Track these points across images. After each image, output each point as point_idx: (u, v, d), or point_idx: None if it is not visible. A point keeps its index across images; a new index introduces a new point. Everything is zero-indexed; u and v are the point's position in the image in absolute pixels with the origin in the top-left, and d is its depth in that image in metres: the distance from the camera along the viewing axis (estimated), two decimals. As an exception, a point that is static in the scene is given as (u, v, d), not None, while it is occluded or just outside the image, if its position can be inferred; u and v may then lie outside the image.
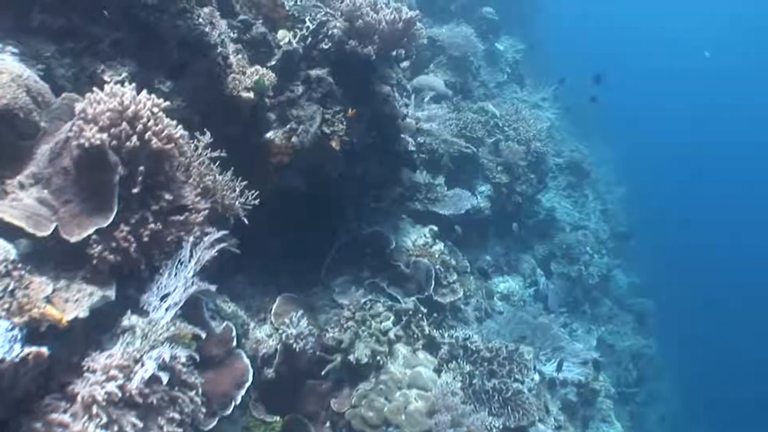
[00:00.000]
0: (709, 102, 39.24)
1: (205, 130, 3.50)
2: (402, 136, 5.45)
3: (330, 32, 4.82)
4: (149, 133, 2.82)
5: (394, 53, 4.94)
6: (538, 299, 9.54)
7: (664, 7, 42.21)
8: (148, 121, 2.83)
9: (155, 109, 2.88)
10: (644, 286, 15.09)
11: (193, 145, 3.44)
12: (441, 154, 6.63)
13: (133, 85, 2.90)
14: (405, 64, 5.68)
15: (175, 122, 3.02)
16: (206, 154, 3.54)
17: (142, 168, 2.85)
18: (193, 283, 3.02)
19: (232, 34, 4.39)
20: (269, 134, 4.42)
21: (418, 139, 6.50)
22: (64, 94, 3.18)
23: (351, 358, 4.84)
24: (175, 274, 3.07)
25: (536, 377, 6.21)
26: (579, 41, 30.62)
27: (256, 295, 5.34)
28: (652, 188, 23.53)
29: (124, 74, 3.72)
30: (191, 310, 3.41)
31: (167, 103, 2.96)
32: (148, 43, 3.81)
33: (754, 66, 39.63)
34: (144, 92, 2.91)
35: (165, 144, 2.91)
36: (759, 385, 20.64)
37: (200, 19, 3.72)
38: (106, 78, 3.66)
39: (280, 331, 4.62)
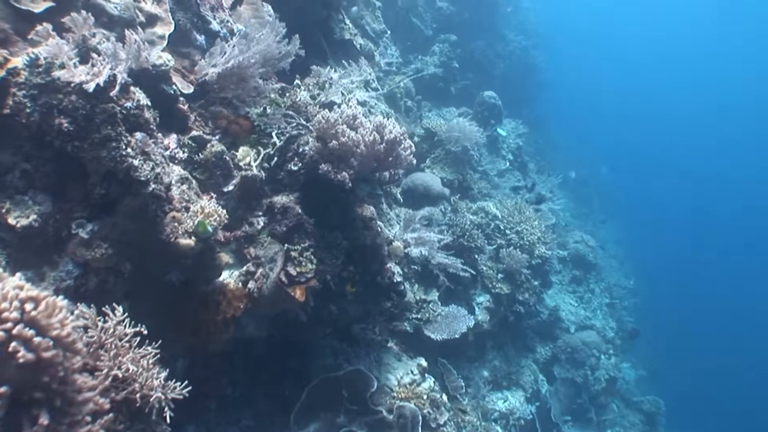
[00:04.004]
0: (716, 176, 39.17)
1: (114, 305, 2.67)
2: (387, 266, 4.62)
3: (301, 149, 4.07)
4: (15, 343, 2.01)
5: (377, 175, 4.17)
6: (540, 417, 8.59)
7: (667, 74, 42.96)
8: (15, 325, 2.02)
9: (28, 306, 2.08)
10: (652, 377, 14.21)
11: (100, 327, 2.63)
12: (436, 274, 5.84)
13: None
14: (392, 188, 4.96)
15: (61, 315, 2.21)
16: (122, 331, 2.73)
17: (4, 389, 2.03)
18: None
19: (181, 154, 3.65)
20: (221, 278, 3.61)
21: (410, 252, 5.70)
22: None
23: None
24: None
25: None
26: (583, 115, 30.57)
27: (214, 446, 4.50)
28: (658, 265, 22.76)
29: (34, 216, 2.96)
30: None
31: (46, 292, 2.16)
32: (66, 176, 3.06)
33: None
34: (15, 279, 2.12)
35: (43, 352, 2.10)
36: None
37: (129, 149, 2.97)
38: (11, 220, 2.92)
39: None
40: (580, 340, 10.56)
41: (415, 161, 4.17)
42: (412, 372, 5.48)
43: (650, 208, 30.58)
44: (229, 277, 3.70)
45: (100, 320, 2.67)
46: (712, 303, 27.23)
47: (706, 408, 19.09)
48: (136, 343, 2.79)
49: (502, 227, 8.11)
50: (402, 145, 3.99)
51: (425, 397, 5.35)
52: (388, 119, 4.00)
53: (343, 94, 4.93)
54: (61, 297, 2.36)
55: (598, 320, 11.98)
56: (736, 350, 23.81)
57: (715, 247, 33.30)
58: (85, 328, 2.63)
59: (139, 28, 3.13)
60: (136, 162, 2.98)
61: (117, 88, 2.80)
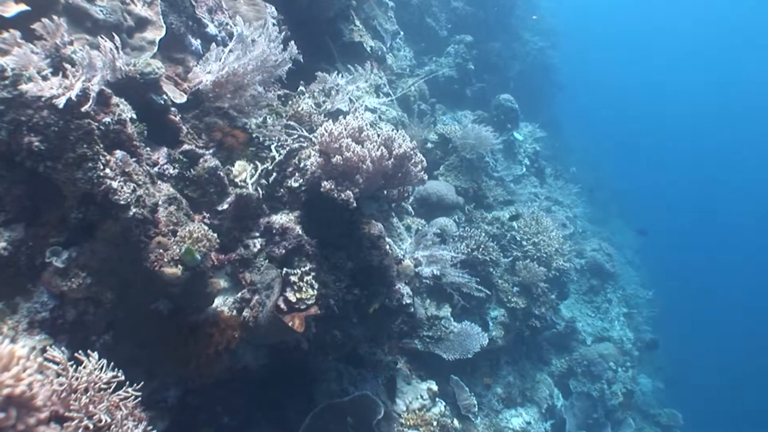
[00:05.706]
0: (740, 183, 38.43)
1: (88, 352, 2.37)
2: (396, 287, 4.30)
3: (302, 164, 3.75)
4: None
5: (384, 192, 3.84)
6: (556, 436, 8.28)
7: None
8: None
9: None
10: (669, 389, 13.85)
11: (71, 374, 2.33)
12: (449, 293, 5.50)
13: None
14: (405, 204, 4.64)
15: (17, 369, 1.92)
16: (98, 376, 2.43)
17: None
18: None
19: (171, 170, 3.35)
20: (214, 305, 3.31)
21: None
22: None
23: None
24: None
25: None
26: (601, 116, 30.10)
27: (205, 480, 4.20)
28: (676, 273, 22.27)
29: (3, 243, 2.68)
30: None
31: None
32: (40, 199, 2.77)
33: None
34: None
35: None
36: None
37: (107, 170, 2.67)
38: (-24, 251, 2.64)
39: None
40: (596, 353, 10.21)
41: (426, 178, 3.83)
42: (421, 396, 5.17)
43: (669, 214, 29.99)
44: (223, 304, 3.40)
45: (72, 365, 2.38)
46: (731, 312, 26.64)
47: (724, 421, 18.62)
48: (113, 388, 2.50)
49: (518, 238, 7.76)
50: (412, 161, 3.65)
51: (435, 423, 5.04)
52: (397, 132, 3.66)
53: (351, 100, 4.62)
54: (21, 344, 2.09)
55: (616, 331, 11.59)
56: (755, 362, 23.27)
57: (735, 255, 32.66)
58: (57, 374, 2.34)
59: (115, 34, 2.81)
60: (114, 184, 2.68)
61: (90, 102, 2.50)
